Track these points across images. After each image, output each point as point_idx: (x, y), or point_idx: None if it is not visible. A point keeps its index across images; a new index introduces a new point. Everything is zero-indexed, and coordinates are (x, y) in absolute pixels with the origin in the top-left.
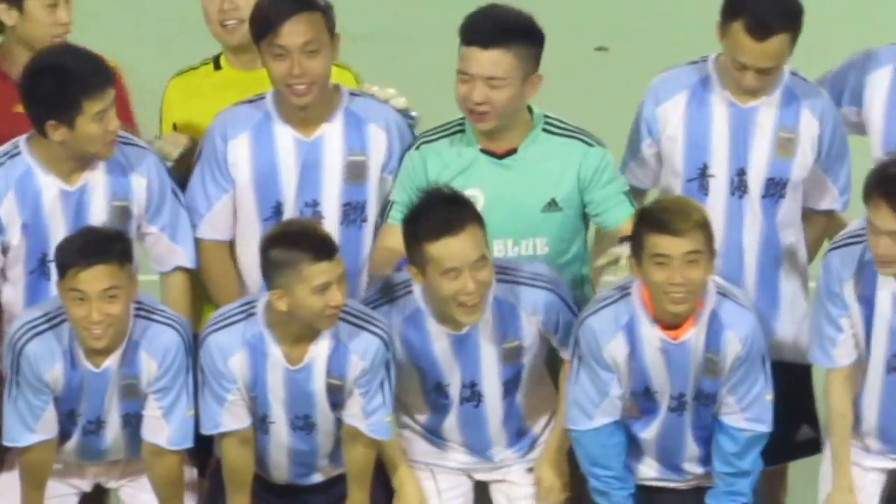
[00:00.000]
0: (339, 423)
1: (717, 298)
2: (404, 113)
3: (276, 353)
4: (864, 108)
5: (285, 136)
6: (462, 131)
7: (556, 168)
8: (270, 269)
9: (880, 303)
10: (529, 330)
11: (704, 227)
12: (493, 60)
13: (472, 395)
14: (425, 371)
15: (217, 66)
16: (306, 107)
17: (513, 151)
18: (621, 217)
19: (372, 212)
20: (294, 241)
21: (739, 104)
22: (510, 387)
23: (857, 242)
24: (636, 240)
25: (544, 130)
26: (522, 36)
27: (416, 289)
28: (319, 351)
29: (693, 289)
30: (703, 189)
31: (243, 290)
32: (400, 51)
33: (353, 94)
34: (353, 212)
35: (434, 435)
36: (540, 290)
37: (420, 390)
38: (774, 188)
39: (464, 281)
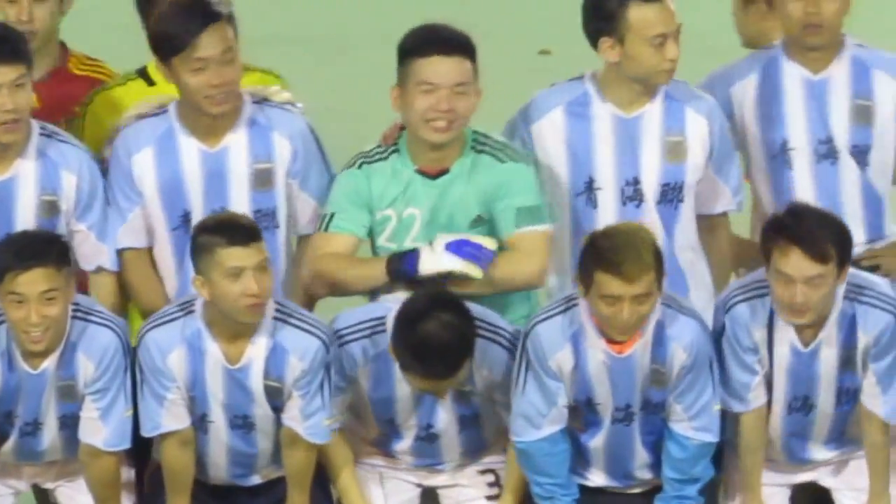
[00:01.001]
0: (278, 424)
1: (662, 309)
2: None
3: (214, 350)
4: (736, 121)
5: (190, 149)
6: (397, 152)
7: (478, 185)
8: (194, 256)
9: (779, 350)
10: (480, 382)
11: (655, 265)
12: (458, 66)
13: (428, 435)
14: (381, 406)
15: (150, 82)
16: (223, 115)
17: (445, 171)
18: (506, 229)
19: (282, 217)
20: (214, 226)
21: (623, 115)
22: (466, 422)
23: (763, 293)
24: (583, 268)
25: (472, 148)
26: (472, 49)
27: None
28: (257, 351)
29: (640, 322)
30: (591, 202)
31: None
32: (332, 55)
33: (255, 102)
34: (264, 219)
35: (385, 450)
36: (499, 346)
37: (373, 418)
38: (671, 193)
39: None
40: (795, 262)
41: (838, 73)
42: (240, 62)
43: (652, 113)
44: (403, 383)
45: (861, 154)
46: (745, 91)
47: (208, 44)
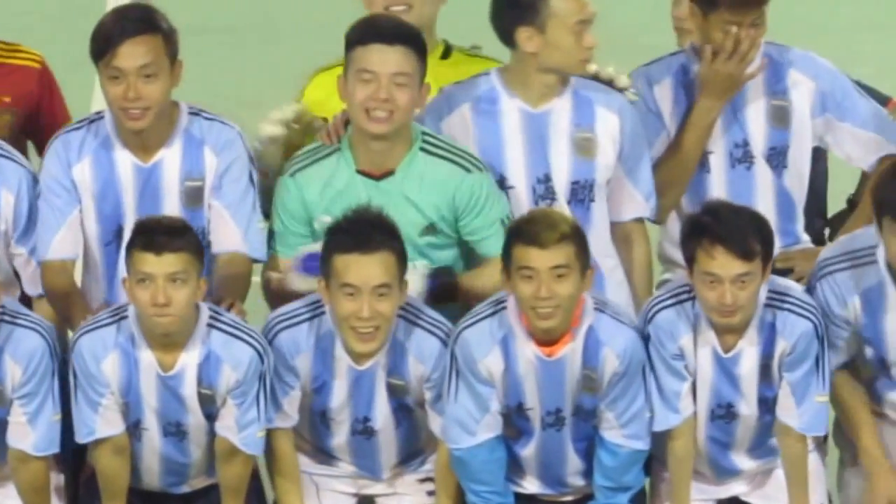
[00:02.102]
0: (211, 433)
1: (595, 314)
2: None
3: (147, 357)
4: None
5: (125, 161)
6: (338, 151)
7: (433, 192)
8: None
9: (701, 356)
10: (415, 374)
11: (574, 239)
12: (400, 56)
13: (365, 429)
14: (319, 395)
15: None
16: (141, 132)
17: (390, 173)
18: (496, 247)
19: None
20: (139, 226)
21: (532, 110)
22: (402, 417)
23: (686, 298)
24: (506, 252)
25: (422, 149)
26: (419, 41)
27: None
28: (190, 359)
29: (561, 304)
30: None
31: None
32: (258, 44)
33: (192, 113)
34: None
35: (322, 452)
36: (436, 338)
37: (309, 412)
38: (582, 192)
39: (361, 303)
40: (721, 262)
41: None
42: (166, 82)
43: (561, 108)
44: (343, 363)
45: (778, 157)
46: (663, 93)
47: (127, 55)
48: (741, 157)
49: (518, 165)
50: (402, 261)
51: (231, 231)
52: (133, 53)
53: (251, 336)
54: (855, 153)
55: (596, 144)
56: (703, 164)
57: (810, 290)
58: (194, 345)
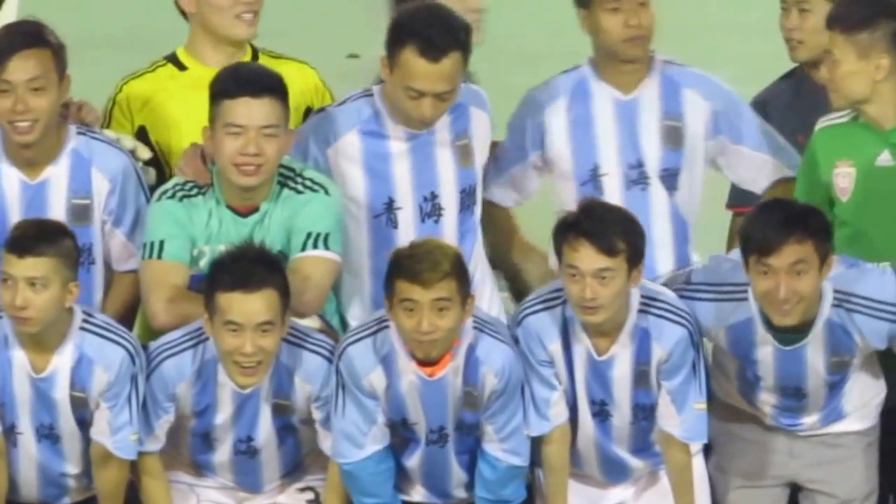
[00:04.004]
0: (86, 440)
1: (474, 333)
2: (132, 154)
3: (20, 358)
4: (546, 148)
5: (11, 178)
6: (212, 186)
7: (282, 221)
8: None
9: (577, 358)
10: (301, 395)
11: (455, 274)
12: (268, 108)
13: (249, 449)
14: (202, 419)
15: (181, 67)
16: (29, 146)
17: (255, 209)
18: (291, 253)
19: (98, 253)
20: (14, 226)
21: (414, 131)
22: (285, 436)
23: (557, 303)
24: (388, 283)
25: (279, 183)
26: (283, 88)
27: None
28: (62, 362)
29: (442, 336)
30: (392, 222)
31: None
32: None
33: (80, 133)
34: (80, 254)
35: (201, 468)
36: (320, 357)
37: (189, 435)
38: (468, 199)
39: (244, 340)
40: (583, 255)
41: (648, 93)
42: (55, 95)
43: (442, 123)
44: (227, 389)
45: (671, 178)
46: (557, 115)
47: (17, 68)
48: (636, 178)
49: (405, 185)
50: (284, 296)
51: (130, 254)
52: (22, 67)
53: (123, 337)
54: (748, 176)
55: (471, 150)
56: (597, 186)
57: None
58: (66, 348)
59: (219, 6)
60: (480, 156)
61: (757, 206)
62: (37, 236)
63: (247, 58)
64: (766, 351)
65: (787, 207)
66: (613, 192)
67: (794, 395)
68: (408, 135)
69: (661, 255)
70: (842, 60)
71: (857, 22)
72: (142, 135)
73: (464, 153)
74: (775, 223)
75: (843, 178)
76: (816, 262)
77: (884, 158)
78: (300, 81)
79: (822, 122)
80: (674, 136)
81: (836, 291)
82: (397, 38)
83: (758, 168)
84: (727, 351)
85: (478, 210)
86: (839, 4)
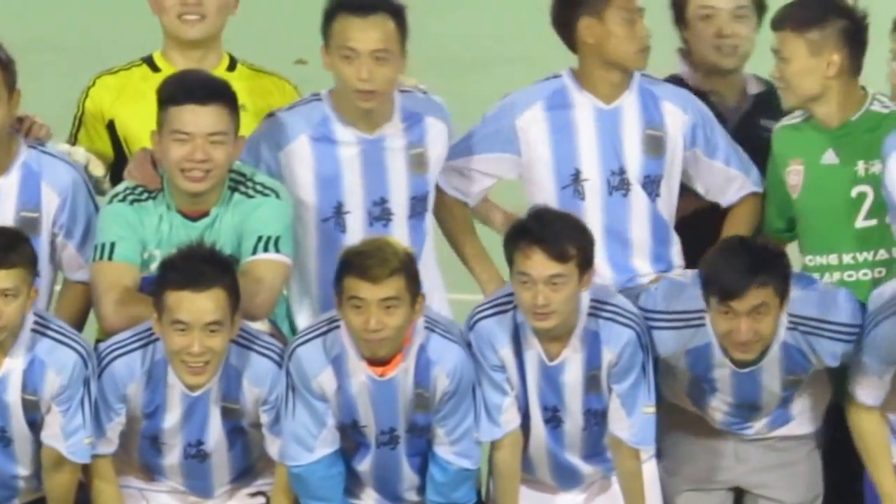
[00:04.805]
0: (37, 443)
1: (425, 333)
2: (85, 168)
3: None
4: (523, 152)
5: None
6: (162, 191)
7: (233, 225)
8: None
9: (528, 363)
10: (250, 398)
11: (404, 272)
12: (214, 115)
13: (199, 453)
14: (151, 422)
15: (155, 69)
16: None
17: (206, 214)
18: (242, 257)
19: (45, 267)
20: None
21: (366, 136)
22: (235, 440)
23: (508, 308)
24: (338, 280)
25: (230, 188)
26: (231, 95)
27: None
28: (15, 365)
29: (390, 334)
30: (340, 226)
31: None
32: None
33: (31, 146)
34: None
35: (151, 471)
36: (269, 360)
37: (138, 437)
38: (419, 205)
39: (192, 339)
40: (535, 262)
41: (629, 104)
42: (5, 109)
43: (393, 129)
44: (176, 390)
45: (652, 184)
46: (536, 121)
47: None
48: (618, 184)
49: (356, 191)
50: (233, 296)
51: (80, 265)
52: None
53: (75, 341)
54: (714, 187)
55: (427, 160)
56: (577, 190)
57: None
58: (19, 351)
59: (162, 7)
60: (436, 164)
61: (721, 245)
62: (5, 247)
63: (222, 67)
64: (724, 372)
65: (750, 251)
66: (594, 197)
67: (748, 408)
68: (358, 139)
69: (639, 257)
70: (792, 59)
71: (809, 19)
72: (111, 129)
73: (418, 161)
74: (739, 268)
75: (795, 176)
76: (777, 303)
77: (828, 157)
78: (277, 95)
79: (781, 122)
80: (655, 145)
81: (790, 315)
82: (329, 14)
83: (728, 181)
84: (685, 370)
85: (429, 217)
86: (787, 5)
